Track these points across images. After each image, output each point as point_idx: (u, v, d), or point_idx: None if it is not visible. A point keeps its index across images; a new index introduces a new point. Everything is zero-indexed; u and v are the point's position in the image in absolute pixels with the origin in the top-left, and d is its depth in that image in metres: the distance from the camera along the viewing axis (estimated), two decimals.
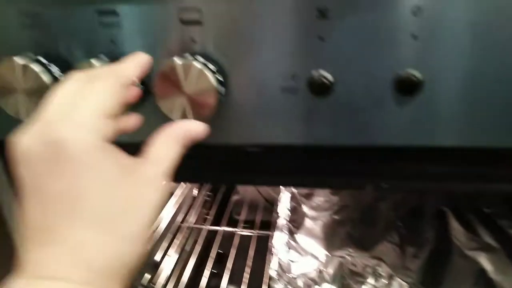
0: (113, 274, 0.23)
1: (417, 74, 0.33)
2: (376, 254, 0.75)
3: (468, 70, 0.33)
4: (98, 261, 0.23)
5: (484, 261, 0.71)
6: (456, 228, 0.80)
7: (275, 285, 0.69)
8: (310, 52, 0.34)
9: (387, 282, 0.69)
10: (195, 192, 1.08)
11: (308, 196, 0.99)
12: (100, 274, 0.23)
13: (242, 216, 1.06)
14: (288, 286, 0.69)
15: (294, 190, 1.01)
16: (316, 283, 0.71)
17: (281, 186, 1.04)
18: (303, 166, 0.44)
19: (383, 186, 0.44)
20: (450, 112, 0.34)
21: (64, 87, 0.27)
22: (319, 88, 0.34)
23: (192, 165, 0.46)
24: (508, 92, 0.33)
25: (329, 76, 0.34)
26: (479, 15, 0.31)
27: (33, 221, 0.24)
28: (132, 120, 0.33)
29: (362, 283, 0.70)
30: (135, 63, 0.31)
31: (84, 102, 0.25)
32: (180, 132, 0.30)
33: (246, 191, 1.15)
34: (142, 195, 0.25)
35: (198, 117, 0.33)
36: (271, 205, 1.04)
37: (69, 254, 0.22)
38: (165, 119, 0.34)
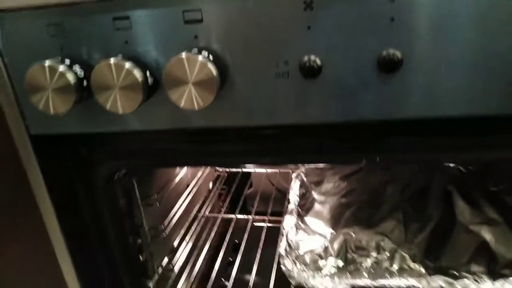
0: None
1: (397, 53, 0.37)
2: (381, 230, 0.78)
3: (441, 45, 0.36)
4: None
5: (487, 234, 0.73)
6: (462, 206, 0.82)
7: (284, 261, 0.74)
8: (300, 40, 0.38)
9: (389, 255, 0.72)
10: (210, 184, 1.13)
11: (317, 183, 1.03)
12: None
13: (256, 208, 1.10)
14: (296, 262, 0.73)
15: (304, 178, 1.05)
16: (322, 257, 0.75)
17: (292, 175, 1.08)
18: (300, 144, 0.48)
19: (377, 159, 0.48)
20: (426, 85, 0.38)
21: None
22: (309, 72, 0.39)
23: (200, 151, 0.51)
24: (476, 63, 0.37)
25: (317, 60, 0.38)
26: None
27: None
28: None
29: (366, 256, 0.72)
30: None
31: None
32: None
33: (259, 184, 1.20)
34: None
35: (202, 103, 0.38)
36: (283, 195, 1.08)
37: None
38: (174, 108, 0.39)
